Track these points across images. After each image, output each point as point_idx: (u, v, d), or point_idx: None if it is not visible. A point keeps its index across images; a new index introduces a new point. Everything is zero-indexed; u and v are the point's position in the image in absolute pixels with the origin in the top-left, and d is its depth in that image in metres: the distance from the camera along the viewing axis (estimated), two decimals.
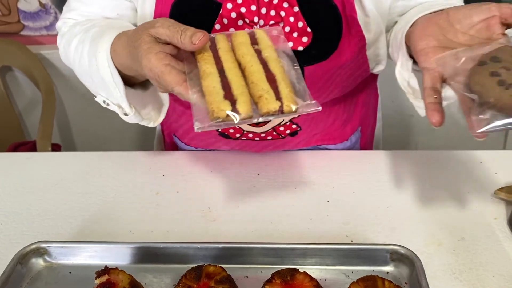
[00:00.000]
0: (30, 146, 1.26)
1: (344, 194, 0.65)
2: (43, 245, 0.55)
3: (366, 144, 0.82)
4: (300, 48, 0.60)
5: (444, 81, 0.46)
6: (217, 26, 0.59)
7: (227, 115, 0.43)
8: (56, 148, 1.31)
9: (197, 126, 0.44)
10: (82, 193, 0.68)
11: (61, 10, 1.57)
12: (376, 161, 0.71)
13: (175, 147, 0.81)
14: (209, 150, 0.76)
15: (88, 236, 0.61)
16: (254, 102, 0.45)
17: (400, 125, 1.48)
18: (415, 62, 0.54)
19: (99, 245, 0.55)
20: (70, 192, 0.69)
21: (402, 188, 0.66)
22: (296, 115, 0.46)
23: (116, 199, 0.67)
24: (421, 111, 0.56)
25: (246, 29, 0.55)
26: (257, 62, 0.48)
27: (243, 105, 0.44)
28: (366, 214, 0.62)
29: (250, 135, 0.69)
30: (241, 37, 0.51)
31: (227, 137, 0.71)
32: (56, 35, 1.61)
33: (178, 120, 0.74)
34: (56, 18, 1.49)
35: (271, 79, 0.46)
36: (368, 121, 0.80)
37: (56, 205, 0.66)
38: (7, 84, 1.51)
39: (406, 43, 0.55)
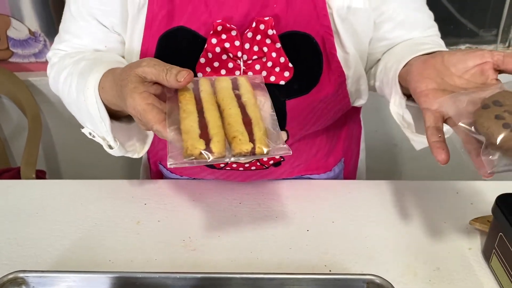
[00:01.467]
0: (14, 173, 1.25)
1: (324, 224, 0.66)
2: (21, 274, 0.54)
3: (349, 174, 0.83)
4: (282, 82, 0.62)
5: (444, 121, 0.48)
6: (202, 60, 0.61)
7: (200, 153, 0.45)
8: (40, 174, 1.30)
9: (170, 162, 0.45)
10: (63, 222, 0.68)
11: (50, 38, 1.59)
12: (355, 191, 0.73)
13: (160, 176, 0.81)
14: (193, 179, 0.77)
15: (67, 265, 0.60)
16: (228, 142, 0.47)
17: (384, 155, 1.52)
18: (408, 98, 0.57)
19: (77, 275, 0.54)
20: (51, 220, 0.68)
21: (380, 217, 0.67)
22: (266, 157, 0.47)
23: (97, 227, 0.67)
24: (416, 145, 0.59)
25: (230, 76, 0.58)
26: (235, 106, 0.50)
27: (217, 145, 0.46)
28: (344, 244, 0.63)
29: (234, 165, 0.70)
30: (224, 82, 0.54)
31: (212, 167, 0.72)
32: (44, 62, 1.62)
33: (164, 148, 0.74)
34: (45, 46, 1.51)
35: (247, 122, 0.48)
36: (351, 152, 0.82)
37: (36, 234, 0.66)
38: None
39: (400, 82, 0.57)
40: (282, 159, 0.71)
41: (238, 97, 0.52)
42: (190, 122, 0.48)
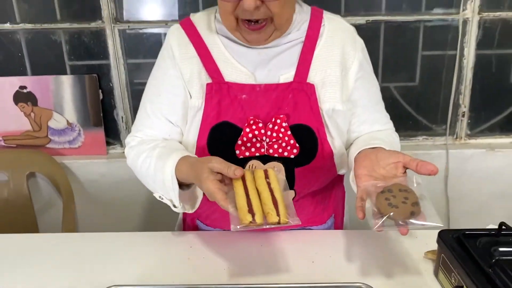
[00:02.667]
0: None
1: (323, 257, 0.93)
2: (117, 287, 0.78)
3: (338, 226, 1.11)
4: (292, 156, 0.93)
5: (367, 195, 0.78)
6: (239, 142, 0.92)
7: (250, 222, 0.74)
8: None
9: (233, 229, 0.74)
10: (130, 259, 0.92)
11: (84, 128, 1.88)
12: (344, 237, 1.00)
13: (196, 228, 1.07)
14: (224, 230, 1.03)
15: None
16: (264, 215, 0.76)
17: (363, 224, 1.78)
18: None
19: (155, 287, 0.78)
20: (122, 258, 0.93)
21: (363, 253, 0.94)
22: (286, 225, 0.76)
23: (157, 262, 0.91)
24: (359, 214, 0.87)
25: (263, 168, 0.86)
26: (267, 190, 0.79)
27: (259, 218, 0.75)
28: (340, 270, 0.89)
29: None
30: (259, 173, 0.83)
31: None
32: (76, 148, 1.90)
33: (203, 207, 1.02)
34: (79, 135, 1.79)
35: (275, 202, 0.77)
36: (338, 210, 1.11)
37: (115, 263, 0.90)
38: (29, 187, 1.74)
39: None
40: None
41: (268, 184, 0.81)
42: (242, 201, 0.76)
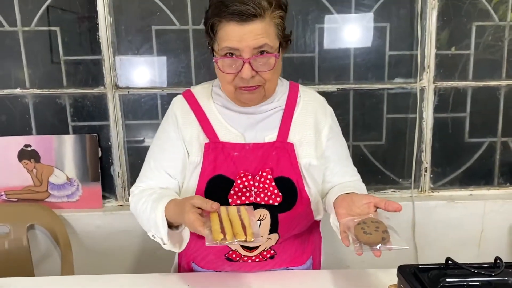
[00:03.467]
0: None
1: None
2: None
3: (316, 267, 1.26)
4: (276, 204, 1.10)
5: (348, 228, 0.96)
6: (232, 192, 1.09)
7: (221, 239, 0.90)
8: None
9: (207, 244, 0.90)
10: None
11: (83, 183, 2.02)
12: (321, 275, 1.16)
13: (191, 271, 1.20)
14: (217, 271, 1.17)
15: None
16: (234, 235, 0.91)
17: (337, 265, 1.91)
18: None
19: None
20: None
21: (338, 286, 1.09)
22: (252, 243, 0.92)
23: None
24: (345, 242, 1.05)
25: (237, 205, 1.05)
26: (238, 219, 0.96)
27: (229, 236, 0.91)
28: None
29: (245, 258, 1.13)
30: (233, 209, 1.00)
31: (231, 260, 1.14)
32: (73, 202, 2.04)
33: (198, 250, 1.17)
34: (77, 189, 1.93)
35: (243, 227, 0.94)
36: (316, 252, 1.27)
37: None
38: (28, 239, 1.83)
39: (334, 207, 1.06)
40: (275, 254, 1.15)
41: (240, 216, 0.98)
42: (216, 226, 0.93)
